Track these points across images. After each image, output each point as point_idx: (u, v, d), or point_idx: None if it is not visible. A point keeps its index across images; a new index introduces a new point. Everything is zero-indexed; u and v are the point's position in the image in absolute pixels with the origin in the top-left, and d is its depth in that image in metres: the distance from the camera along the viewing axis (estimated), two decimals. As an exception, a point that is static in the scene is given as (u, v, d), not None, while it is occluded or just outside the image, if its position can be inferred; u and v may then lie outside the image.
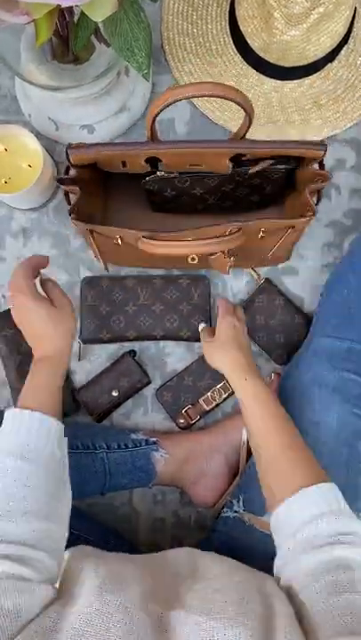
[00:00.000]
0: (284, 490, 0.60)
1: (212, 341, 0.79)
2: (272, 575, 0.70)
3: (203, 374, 0.89)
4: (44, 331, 0.69)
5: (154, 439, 0.84)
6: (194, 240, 0.66)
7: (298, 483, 0.59)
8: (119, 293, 0.89)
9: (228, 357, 0.75)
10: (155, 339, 0.89)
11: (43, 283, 0.74)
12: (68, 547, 0.61)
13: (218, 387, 0.89)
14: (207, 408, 0.89)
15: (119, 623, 0.45)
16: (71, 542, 0.60)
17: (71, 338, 0.71)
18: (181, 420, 0.89)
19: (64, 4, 0.48)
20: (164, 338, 0.89)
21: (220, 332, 0.78)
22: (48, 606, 0.48)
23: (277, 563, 0.58)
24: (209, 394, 0.89)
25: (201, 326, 0.86)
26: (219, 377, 0.89)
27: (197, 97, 0.54)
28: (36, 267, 0.72)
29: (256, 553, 0.75)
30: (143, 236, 0.68)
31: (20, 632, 0.44)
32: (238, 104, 0.55)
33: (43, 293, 0.73)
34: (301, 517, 0.56)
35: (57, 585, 0.55)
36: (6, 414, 0.62)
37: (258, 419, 0.68)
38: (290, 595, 0.53)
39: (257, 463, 0.68)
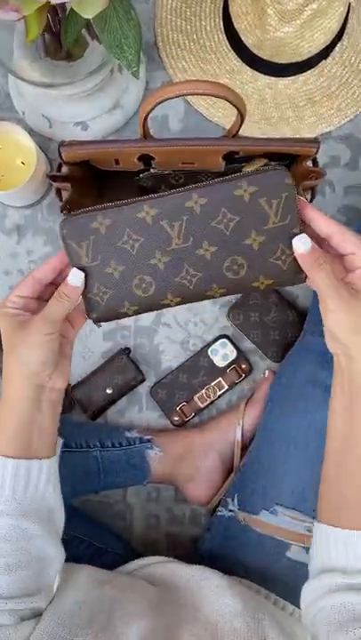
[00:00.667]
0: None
1: (350, 298, 0.47)
2: (267, 582, 0.71)
3: (197, 372, 0.89)
4: (4, 350, 0.53)
5: (148, 437, 0.84)
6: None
7: None
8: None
9: None
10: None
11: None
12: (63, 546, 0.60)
13: (212, 384, 0.89)
14: (202, 405, 0.89)
15: None
16: (66, 543, 0.60)
17: (30, 374, 0.52)
18: (176, 418, 0.89)
19: (54, 1, 0.47)
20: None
21: None
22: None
23: (310, 588, 0.53)
24: (203, 391, 0.89)
25: (305, 246, 0.48)
26: (213, 374, 0.89)
27: (189, 95, 0.54)
28: (44, 277, 0.54)
29: (251, 553, 0.75)
30: None
31: None
32: (229, 102, 0.55)
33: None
34: None
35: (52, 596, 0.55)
36: None
37: None
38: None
39: (342, 471, 0.53)
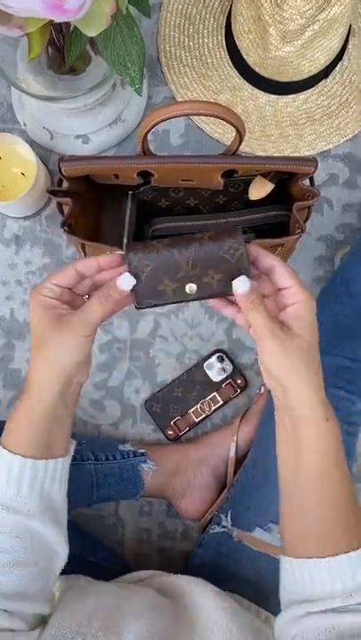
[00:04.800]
0: (320, 547, 0.51)
1: (285, 338, 0.48)
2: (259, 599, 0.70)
3: (192, 386, 0.89)
4: (33, 342, 0.52)
5: (142, 450, 0.84)
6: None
7: (339, 546, 0.50)
8: None
9: (313, 373, 0.50)
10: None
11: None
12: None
13: (207, 399, 0.89)
14: (196, 420, 0.89)
15: None
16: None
17: (62, 373, 0.51)
18: (170, 432, 0.89)
19: (57, 20, 0.48)
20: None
21: (302, 323, 0.49)
22: None
23: (282, 620, 0.53)
24: (198, 405, 0.89)
25: (244, 286, 0.49)
26: (208, 389, 0.89)
27: (188, 115, 0.55)
28: (86, 272, 0.51)
29: (244, 569, 0.74)
30: None
31: None
32: (228, 121, 0.56)
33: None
34: (329, 588, 0.49)
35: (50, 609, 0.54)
36: None
37: (321, 469, 0.52)
38: None
39: (295, 504, 0.53)
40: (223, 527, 0.77)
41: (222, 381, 0.89)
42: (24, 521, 0.51)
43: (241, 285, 0.49)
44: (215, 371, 0.89)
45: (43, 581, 0.53)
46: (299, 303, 0.49)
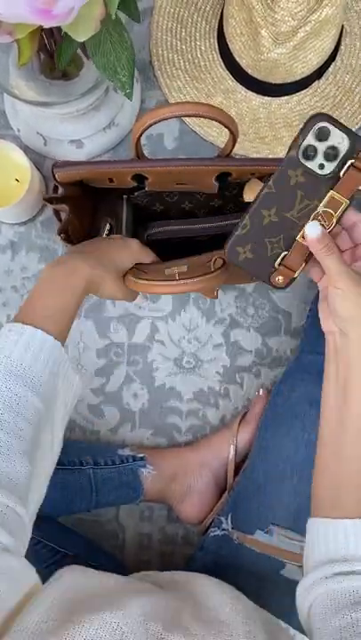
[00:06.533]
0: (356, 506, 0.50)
1: (359, 281, 0.49)
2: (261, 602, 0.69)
3: (291, 195, 0.51)
4: (103, 245, 0.67)
5: (141, 455, 0.84)
6: (179, 279, 0.65)
7: None
8: None
9: None
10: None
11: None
12: (55, 567, 0.59)
13: (320, 209, 0.50)
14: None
15: None
16: (57, 561, 0.59)
17: (113, 279, 0.64)
18: (279, 278, 0.52)
19: (47, 25, 0.48)
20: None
21: None
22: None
23: (307, 585, 0.50)
24: (311, 222, 0.50)
25: (316, 232, 0.49)
26: (317, 191, 0.50)
27: (180, 117, 0.54)
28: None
29: (245, 572, 0.74)
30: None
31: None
32: (220, 122, 0.56)
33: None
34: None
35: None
36: (7, 327, 0.55)
37: None
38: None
39: (335, 458, 0.52)
40: (224, 530, 0.77)
41: (337, 169, 0.49)
42: (33, 400, 0.52)
43: (313, 231, 0.50)
44: (320, 157, 0.49)
45: (35, 487, 0.52)
46: None
